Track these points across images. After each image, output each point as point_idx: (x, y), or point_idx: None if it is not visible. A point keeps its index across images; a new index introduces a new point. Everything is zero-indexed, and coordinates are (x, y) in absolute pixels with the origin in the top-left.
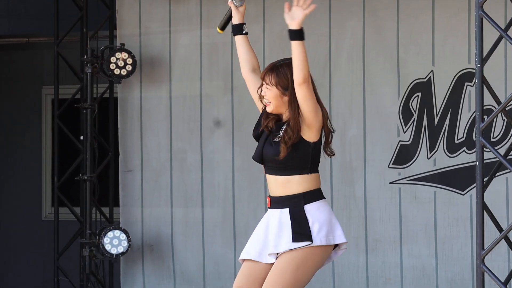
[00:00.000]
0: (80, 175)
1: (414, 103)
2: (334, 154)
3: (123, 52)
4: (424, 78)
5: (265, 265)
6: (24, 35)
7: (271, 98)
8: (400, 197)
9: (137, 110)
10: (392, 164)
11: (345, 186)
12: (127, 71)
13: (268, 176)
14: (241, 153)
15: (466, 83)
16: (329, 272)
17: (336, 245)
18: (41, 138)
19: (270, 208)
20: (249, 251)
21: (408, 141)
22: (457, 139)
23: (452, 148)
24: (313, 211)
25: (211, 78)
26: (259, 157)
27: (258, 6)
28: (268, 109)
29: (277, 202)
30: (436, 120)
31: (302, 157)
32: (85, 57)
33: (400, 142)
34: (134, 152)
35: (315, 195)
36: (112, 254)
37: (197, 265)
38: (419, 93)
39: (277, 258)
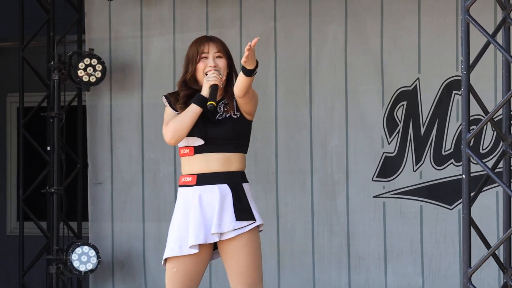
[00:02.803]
0: (47, 187)
1: (399, 113)
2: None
3: (92, 58)
4: (410, 86)
5: (198, 261)
6: None
7: (224, 68)
8: (384, 211)
9: (107, 119)
10: (376, 177)
11: (326, 199)
12: (96, 77)
13: (201, 155)
14: None
15: (454, 92)
16: None
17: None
18: (5, 148)
19: (196, 185)
20: (197, 235)
21: (393, 152)
22: (445, 151)
23: (439, 160)
24: (248, 191)
25: None
26: (203, 136)
27: (235, 10)
28: (219, 82)
29: (210, 178)
30: (423, 130)
31: (244, 134)
32: (52, 63)
33: (385, 154)
34: (104, 163)
35: (245, 176)
36: (80, 271)
37: None
38: (405, 102)
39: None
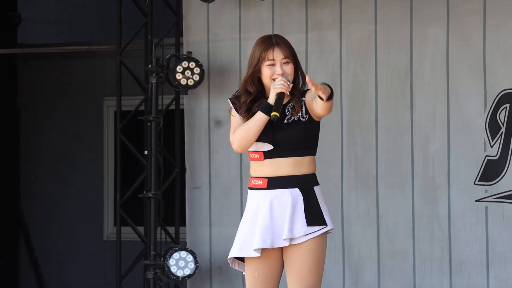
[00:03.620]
0: (144, 192)
1: (502, 115)
2: None
3: (190, 61)
4: None
5: (275, 265)
6: (85, 43)
7: (291, 74)
8: (487, 216)
9: (205, 123)
10: (478, 181)
11: (427, 204)
12: (194, 81)
13: (271, 160)
14: None
15: None
16: None
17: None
18: (102, 152)
19: (267, 189)
20: (264, 239)
21: (496, 156)
22: None
23: None
24: (319, 194)
25: None
26: (272, 141)
27: (335, 12)
28: (287, 90)
29: (281, 182)
30: None
31: (313, 136)
32: (150, 66)
33: (487, 157)
34: (202, 168)
35: (316, 177)
36: (178, 277)
37: None
38: (507, 105)
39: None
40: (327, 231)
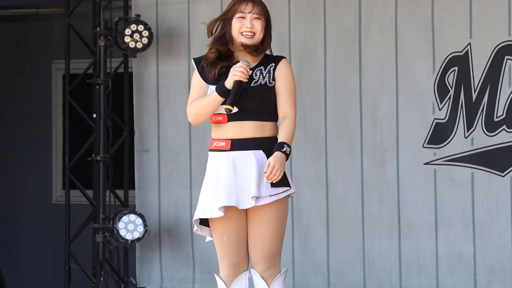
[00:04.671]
0: (93, 155)
1: (450, 78)
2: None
3: (138, 24)
4: (461, 51)
5: (242, 227)
6: (33, 6)
7: (259, 30)
8: (435, 179)
9: (153, 86)
10: (427, 144)
11: (376, 167)
12: (143, 44)
13: (235, 122)
14: None
15: (506, 57)
16: (359, 259)
17: None
18: (51, 116)
19: (230, 150)
20: (228, 197)
21: (444, 119)
22: (497, 117)
23: (491, 126)
24: None
25: None
26: (237, 104)
27: None
28: (249, 41)
29: (245, 144)
30: (474, 96)
31: (275, 102)
32: (98, 29)
33: (436, 120)
34: (151, 131)
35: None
36: (127, 240)
37: None
38: (456, 68)
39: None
40: (290, 194)
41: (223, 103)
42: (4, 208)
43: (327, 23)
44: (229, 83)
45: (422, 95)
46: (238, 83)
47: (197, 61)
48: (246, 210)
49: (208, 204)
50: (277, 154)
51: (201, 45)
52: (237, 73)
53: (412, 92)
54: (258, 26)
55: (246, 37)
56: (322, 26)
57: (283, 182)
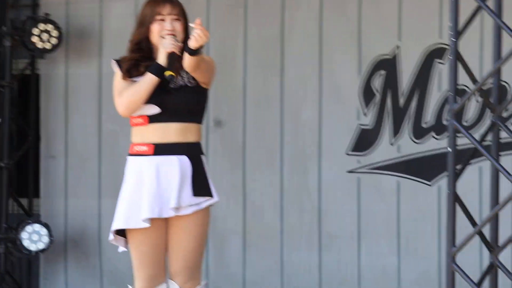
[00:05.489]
0: None
1: (377, 82)
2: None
3: (47, 23)
4: (389, 54)
5: (162, 236)
6: None
7: (181, 32)
8: (359, 187)
9: (62, 89)
10: (351, 151)
11: (297, 175)
12: (51, 44)
13: (157, 125)
14: None
15: (436, 60)
16: (277, 271)
17: None
18: None
19: (154, 155)
20: (152, 208)
21: (369, 125)
22: (425, 123)
23: (419, 133)
24: (205, 164)
25: None
26: (159, 104)
27: None
28: (177, 50)
29: (169, 149)
30: (401, 101)
31: (200, 103)
32: (4, 28)
33: (360, 126)
34: (58, 136)
35: (202, 147)
36: (31, 251)
37: (128, 263)
38: (383, 71)
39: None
40: (211, 203)
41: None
42: None
43: (248, 24)
44: (161, 59)
45: (346, 100)
46: (171, 55)
47: (118, 62)
48: (166, 219)
49: (132, 214)
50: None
51: (114, 46)
52: (167, 46)
53: (336, 97)
54: (179, 27)
55: (173, 43)
56: (242, 27)
57: (205, 191)
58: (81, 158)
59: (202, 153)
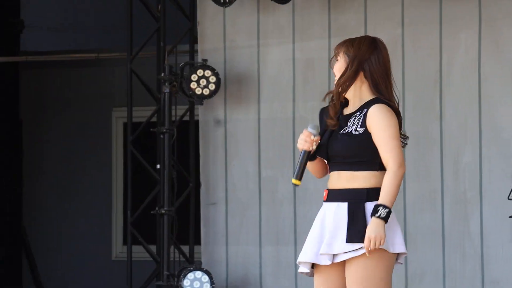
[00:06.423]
0: (157, 208)
1: None
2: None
3: (205, 69)
4: None
5: (337, 272)
6: (93, 51)
7: (337, 70)
8: None
9: (221, 135)
10: None
11: (458, 220)
12: (210, 90)
13: (332, 173)
14: None
15: None
16: None
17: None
18: (111, 167)
19: (325, 201)
20: (306, 252)
21: None
22: None
23: None
24: (370, 210)
25: (305, 98)
26: (324, 153)
27: (360, 16)
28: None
29: (335, 195)
30: None
31: (366, 150)
32: (163, 74)
33: None
34: (218, 182)
35: (375, 193)
36: None
37: None
38: None
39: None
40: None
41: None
42: (61, 264)
43: (406, 66)
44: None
45: (507, 143)
46: (304, 153)
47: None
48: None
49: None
50: (371, 223)
51: (272, 91)
52: (300, 142)
53: (496, 140)
54: (335, 67)
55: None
56: (400, 70)
57: (361, 237)
58: (241, 204)
59: (369, 200)
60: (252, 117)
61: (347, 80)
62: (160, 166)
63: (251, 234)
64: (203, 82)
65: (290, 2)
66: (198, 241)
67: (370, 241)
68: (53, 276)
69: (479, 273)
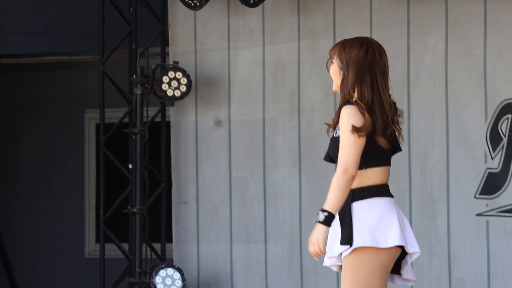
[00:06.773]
0: (129, 207)
1: (504, 126)
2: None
3: (176, 71)
4: None
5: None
6: (66, 53)
7: (332, 74)
8: (488, 231)
9: (192, 136)
10: (479, 194)
11: (426, 219)
12: (181, 92)
13: None
14: (309, 183)
15: None
16: None
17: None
18: (83, 166)
19: None
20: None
21: (497, 168)
22: None
23: None
24: (361, 210)
25: (275, 100)
26: (328, 158)
27: (328, 19)
28: (333, 88)
29: None
30: None
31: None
32: (134, 76)
33: (488, 170)
34: (189, 182)
35: (367, 191)
36: None
37: None
38: (509, 115)
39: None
40: (351, 252)
41: None
42: (35, 263)
43: None
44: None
45: (474, 143)
46: None
47: None
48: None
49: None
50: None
51: (242, 93)
52: (310, 248)
53: (463, 141)
54: (331, 69)
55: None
56: None
57: (347, 239)
58: (212, 204)
59: (355, 199)
60: (223, 118)
61: (349, 84)
62: (132, 166)
63: (222, 233)
64: (174, 84)
65: (260, 6)
66: (169, 239)
67: (310, 246)
68: (27, 273)
69: (446, 271)
